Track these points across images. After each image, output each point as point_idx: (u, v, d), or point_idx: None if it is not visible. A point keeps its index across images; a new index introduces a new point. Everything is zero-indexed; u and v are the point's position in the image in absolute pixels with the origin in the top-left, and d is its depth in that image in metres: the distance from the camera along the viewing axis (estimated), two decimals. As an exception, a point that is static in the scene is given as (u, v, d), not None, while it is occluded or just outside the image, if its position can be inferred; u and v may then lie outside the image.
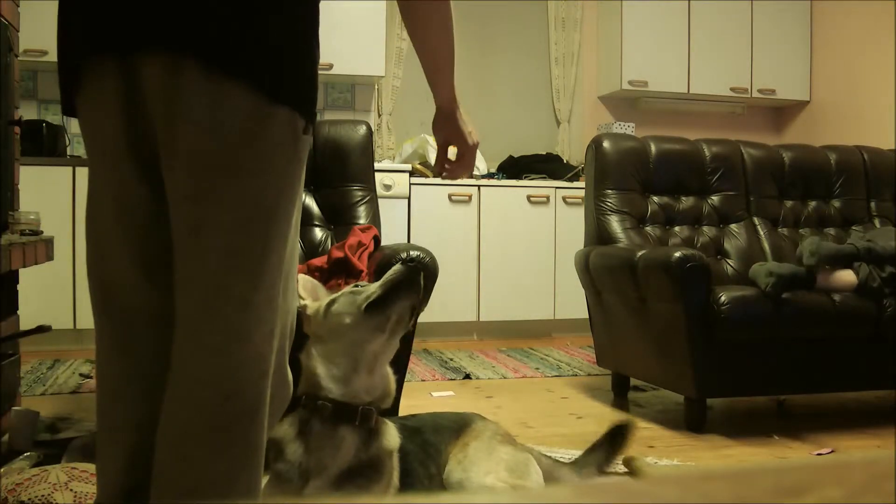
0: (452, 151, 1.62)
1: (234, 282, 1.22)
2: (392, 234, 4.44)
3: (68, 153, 4.74)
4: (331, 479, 1.55)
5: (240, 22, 1.20)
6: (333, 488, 1.52)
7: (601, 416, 3.21)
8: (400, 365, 2.10)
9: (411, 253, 2.56)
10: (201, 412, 1.21)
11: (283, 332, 1.34)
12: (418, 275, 1.63)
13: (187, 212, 1.22)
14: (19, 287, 2.72)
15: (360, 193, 3.18)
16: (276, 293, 1.26)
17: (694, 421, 2.95)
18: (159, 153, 1.24)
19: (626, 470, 2.42)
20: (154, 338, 1.32)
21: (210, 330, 1.22)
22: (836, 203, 3.82)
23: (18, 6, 2.74)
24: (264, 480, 1.39)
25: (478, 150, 1.64)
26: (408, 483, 1.71)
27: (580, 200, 4.82)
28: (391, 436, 1.65)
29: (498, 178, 5.37)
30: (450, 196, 5.05)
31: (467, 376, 3.93)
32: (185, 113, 1.19)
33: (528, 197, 5.22)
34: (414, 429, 1.85)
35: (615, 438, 2.26)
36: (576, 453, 2.34)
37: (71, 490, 1.88)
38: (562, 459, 2.30)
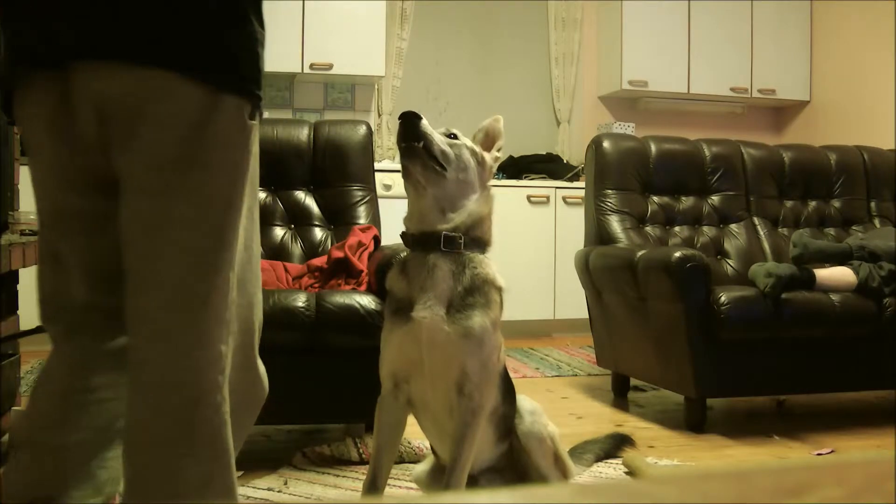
0: None
1: (194, 279, 1.21)
2: (392, 234, 4.39)
3: (68, 153, 4.73)
4: (437, 304, 1.69)
5: (169, 17, 1.20)
6: (443, 317, 1.68)
7: (601, 416, 3.21)
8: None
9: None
10: (169, 417, 1.20)
11: (248, 328, 1.32)
12: (407, 132, 1.70)
13: (143, 208, 1.20)
14: (19, 287, 2.72)
15: (360, 193, 3.18)
16: (230, 288, 1.25)
17: (694, 421, 2.95)
18: (105, 160, 1.22)
19: (626, 470, 2.42)
20: (96, 349, 1.32)
21: (177, 332, 1.20)
22: (836, 203, 3.82)
23: (18, 6, 2.73)
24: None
25: None
26: None
27: (580, 200, 4.81)
28: (494, 270, 1.78)
29: (498, 178, 5.36)
30: (450, 196, 5.05)
31: (467, 376, 3.92)
32: (135, 113, 1.18)
33: (528, 197, 5.21)
34: None
35: (616, 444, 2.41)
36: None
37: (71, 490, 1.87)
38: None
